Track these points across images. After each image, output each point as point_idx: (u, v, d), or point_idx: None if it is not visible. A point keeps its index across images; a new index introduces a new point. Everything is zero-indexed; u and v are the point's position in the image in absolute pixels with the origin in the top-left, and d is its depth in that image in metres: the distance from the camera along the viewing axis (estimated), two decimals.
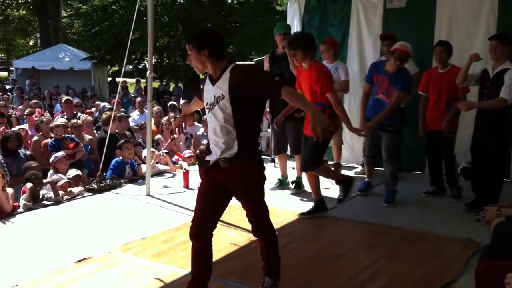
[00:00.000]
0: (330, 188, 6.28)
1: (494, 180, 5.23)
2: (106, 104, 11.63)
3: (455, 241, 4.49)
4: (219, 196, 3.25)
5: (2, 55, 45.33)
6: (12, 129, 8.14)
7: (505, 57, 5.03)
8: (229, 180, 3.20)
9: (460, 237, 4.57)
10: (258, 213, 3.41)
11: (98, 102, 12.77)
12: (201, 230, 3.27)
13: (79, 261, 4.01)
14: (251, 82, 3.01)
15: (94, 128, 8.56)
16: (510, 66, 4.98)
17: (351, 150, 7.33)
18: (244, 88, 2.99)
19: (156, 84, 22.64)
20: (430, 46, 6.32)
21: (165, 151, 7.66)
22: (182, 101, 13.44)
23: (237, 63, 3.26)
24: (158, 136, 8.59)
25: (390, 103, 5.47)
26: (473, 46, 6.58)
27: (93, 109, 11.88)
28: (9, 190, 5.39)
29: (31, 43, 41.63)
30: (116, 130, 7.46)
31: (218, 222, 4.95)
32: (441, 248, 4.36)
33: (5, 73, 37.44)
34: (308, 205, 5.62)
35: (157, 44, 19.10)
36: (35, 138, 7.63)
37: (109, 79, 23.97)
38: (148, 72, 6.05)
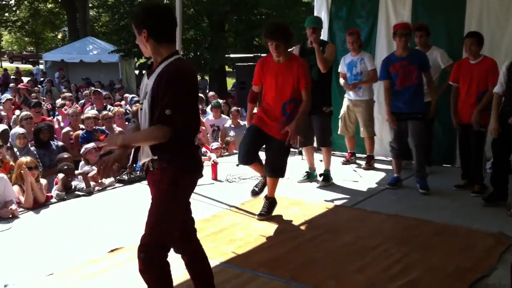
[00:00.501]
0: (358, 181, 6.26)
1: None
2: (134, 96, 11.75)
3: (487, 235, 4.41)
4: None
5: (32, 48, 46.17)
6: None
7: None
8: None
9: (492, 231, 4.50)
10: (148, 226, 2.88)
11: (126, 95, 12.91)
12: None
13: (112, 251, 4.08)
14: (160, 92, 2.58)
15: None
16: None
17: (380, 143, 7.27)
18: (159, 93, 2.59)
19: None
20: (460, 37, 6.22)
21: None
22: (210, 93, 13.50)
23: (179, 57, 2.72)
24: None
25: (431, 88, 5.71)
26: (504, 38, 6.46)
27: (122, 102, 12.01)
28: (42, 181, 5.50)
29: (59, 36, 42.26)
30: None
31: (247, 214, 5.04)
32: (473, 242, 4.30)
33: (30, 66, 37.97)
34: (337, 197, 5.62)
35: (183, 37, 19.18)
36: (65, 130, 7.76)
37: (136, 71, 24.19)
38: None
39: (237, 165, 7.06)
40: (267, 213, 4.92)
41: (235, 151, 8.33)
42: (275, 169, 4.79)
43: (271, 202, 4.97)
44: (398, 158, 5.99)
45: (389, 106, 5.77)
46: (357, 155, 7.31)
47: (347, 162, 7.21)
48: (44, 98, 13.42)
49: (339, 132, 7.15)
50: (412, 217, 4.92)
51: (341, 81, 6.93)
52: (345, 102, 7.02)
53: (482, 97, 5.46)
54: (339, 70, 6.96)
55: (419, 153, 5.74)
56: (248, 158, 4.87)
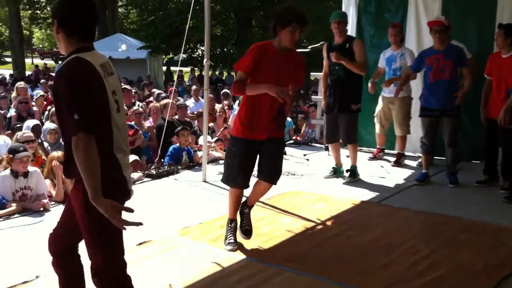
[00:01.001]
0: (385, 177, 6.22)
1: None
2: (160, 92, 11.86)
3: None
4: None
5: None
6: None
7: None
8: None
9: None
10: (89, 252, 2.53)
11: (154, 90, 13.03)
12: None
13: (140, 244, 4.14)
14: (60, 97, 2.32)
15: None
16: None
17: (408, 138, 7.19)
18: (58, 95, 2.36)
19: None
20: (491, 31, 6.11)
21: (215, 138, 7.74)
22: None
23: (79, 55, 2.37)
24: (211, 124, 8.70)
25: (466, 82, 5.63)
26: None
27: (151, 98, 12.15)
28: None
29: None
30: (176, 117, 7.63)
31: (273, 209, 5.06)
32: (502, 239, 4.25)
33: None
34: (363, 193, 5.60)
35: (211, 33, 19.30)
36: None
37: (164, 68, 24.44)
38: (205, 60, 6.15)
39: None
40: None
41: None
42: (278, 174, 4.03)
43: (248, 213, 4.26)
44: (428, 154, 5.94)
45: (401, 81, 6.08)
46: (385, 151, 7.26)
47: (374, 157, 7.16)
48: None
49: (377, 132, 7.08)
50: (439, 214, 4.88)
51: (369, 84, 6.52)
52: (380, 100, 6.93)
53: (510, 93, 5.34)
54: (378, 65, 6.89)
55: (452, 150, 5.75)
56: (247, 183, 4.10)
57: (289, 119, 9.76)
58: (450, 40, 6.07)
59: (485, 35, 6.53)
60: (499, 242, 4.19)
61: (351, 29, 7.49)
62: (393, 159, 6.97)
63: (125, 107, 8.60)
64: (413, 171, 6.49)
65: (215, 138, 7.74)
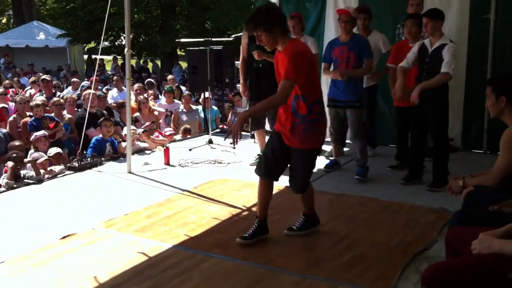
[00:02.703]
0: None
1: (440, 153, 5.31)
2: (85, 83, 11.53)
3: (429, 211, 4.66)
4: None
5: None
6: None
7: (440, 33, 5.14)
8: None
9: (434, 206, 4.75)
10: None
11: (74, 80, 12.61)
12: None
13: (64, 237, 4.07)
14: None
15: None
16: (447, 41, 5.10)
17: None
18: None
19: (132, 62, 22.42)
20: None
21: (142, 130, 7.65)
22: (169, 77, 13.35)
23: None
24: (137, 114, 8.58)
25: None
26: (447, 22, 6.67)
27: (70, 87, 11.78)
28: None
29: (4, 20, 40.64)
30: (97, 109, 7.47)
31: (199, 197, 5.11)
32: (416, 217, 4.52)
33: None
34: (287, 179, 5.73)
35: (133, 21, 18.88)
36: (11, 118, 7.59)
37: (85, 56, 23.66)
38: (126, 50, 6.04)
39: (190, 149, 7.11)
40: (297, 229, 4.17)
41: (188, 136, 8.37)
42: (296, 185, 3.97)
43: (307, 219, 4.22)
44: (336, 142, 6.09)
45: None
46: None
47: None
48: None
49: None
50: (358, 195, 5.12)
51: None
52: None
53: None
54: None
55: (359, 142, 5.72)
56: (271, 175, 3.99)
57: (215, 107, 9.82)
58: (369, 30, 6.32)
59: (400, 24, 6.81)
60: (412, 220, 4.45)
61: None
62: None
63: (44, 98, 8.33)
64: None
65: (141, 129, 7.64)
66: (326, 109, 5.74)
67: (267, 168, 3.92)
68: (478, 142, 6.90)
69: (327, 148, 6.45)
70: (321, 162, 6.49)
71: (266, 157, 3.96)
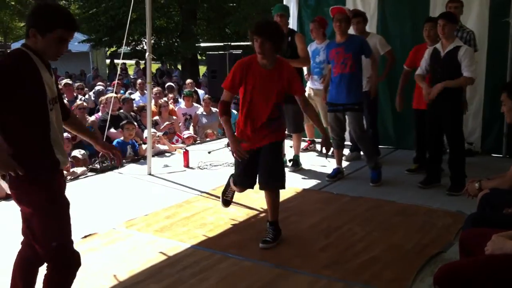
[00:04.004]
0: (326, 166, 6.43)
1: (456, 156, 5.27)
2: (101, 87, 11.67)
3: (446, 214, 4.66)
4: None
5: None
6: None
7: (453, 36, 5.13)
8: None
9: (451, 210, 4.74)
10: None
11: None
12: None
13: (85, 237, 4.17)
14: None
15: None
16: (460, 43, 5.11)
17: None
18: None
19: (156, 66, 22.67)
20: None
21: (161, 133, 7.77)
22: (187, 81, 13.49)
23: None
24: (156, 117, 8.71)
25: (373, 70, 5.74)
26: (467, 24, 6.66)
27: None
28: None
29: None
30: (121, 111, 7.61)
31: (218, 199, 5.18)
32: (432, 220, 4.52)
33: None
34: (305, 181, 5.80)
35: (154, 26, 19.12)
36: None
37: (107, 61, 23.99)
38: (147, 54, 6.16)
39: (209, 152, 7.20)
40: (272, 240, 4.05)
41: (207, 139, 8.47)
42: (271, 177, 4.00)
43: (276, 229, 4.12)
44: (338, 149, 5.87)
45: (325, 89, 6.00)
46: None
47: (306, 150, 7.34)
48: None
49: (305, 123, 7.27)
50: (375, 198, 5.14)
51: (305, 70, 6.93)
52: (307, 91, 7.14)
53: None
54: None
55: (363, 145, 5.71)
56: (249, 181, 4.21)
57: (234, 111, 9.89)
58: (365, 33, 6.28)
59: (420, 28, 6.81)
60: (429, 223, 4.46)
61: (292, 23, 7.68)
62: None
63: (67, 102, 8.51)
64: (349, 163, 6.70)
65: (161, 132, 7.77)
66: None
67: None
68: (498, 146, 6.86)
69: (345, 151, 6.46)
70: (347, 163, 6.57)
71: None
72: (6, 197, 5.09)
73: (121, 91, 11.85)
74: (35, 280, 2.83)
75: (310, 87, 7.07)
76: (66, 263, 2.66)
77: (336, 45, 5.62)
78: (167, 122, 8.39)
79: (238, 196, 5.26)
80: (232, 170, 6.27)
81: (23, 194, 2.57)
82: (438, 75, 5.14)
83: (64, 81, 11.22)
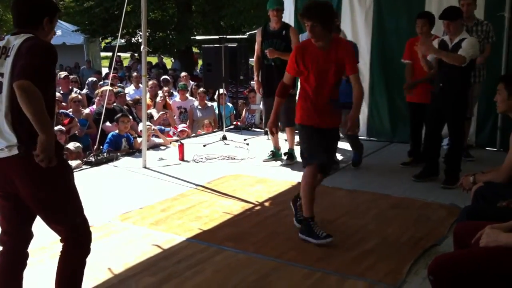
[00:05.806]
0: None
1: (455, 150, 5.31)
2: (94, 79, 11.61)
3: (440, 207, 4.69)
4: None
5: None
6: None
7: (461, 29, 5.18)
8: None
9: (445, 203, 4.77)
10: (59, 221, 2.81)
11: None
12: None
13: None
14: None
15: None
16: (466, 35, 5.17)
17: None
18: None
19: (154, 59, 22.56)
20: None
21: (157, 127, 7.76)
22: (182, 74, 13.47)
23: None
24: (151, 110, 8.68)
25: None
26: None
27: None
28: None
29: None
30: (115, 104, 7.59)
31: (213, 192, 5.19)
32: (427, 213, 4.55)
33: None
34: (300, 175, 5.77)
35: (149, 18, 19.03)
36: None
37: (102, 54, 23.88)
38: (142, 47, 6.14)
39: (204, 145, 7.20)
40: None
41: (202, 132, 8.48)
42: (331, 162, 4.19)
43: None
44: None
45: None
46: None
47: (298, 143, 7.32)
48: None
49: None
50: (370, 192, 5.16)
51: None
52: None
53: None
54: None
55: (350, 138, 5.98)
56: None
57: (229, 104, 9.90)
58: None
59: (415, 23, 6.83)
60: (424, 216, 4.49)
61: (288, 18, 7.67)
62: None
63: (60, 95, 8.45)
64: (346, 154, 6.72)
65: (157, 127, 7.76)
66: None
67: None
68: (492, 139, 6.90)
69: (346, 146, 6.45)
70: (341, 157, 6.55)
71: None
72: None
73: (118, 84, 11.78)
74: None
75: None
76: (89, 237, 2.79)
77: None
78: (161, 112, 8.38)
79: (233, 189, 5.30)
80: (227, 164, 6.33)
81: (51, 177, 2.57)
82: (446, 68, 5.15)
83: (63, 74, 11.16)
